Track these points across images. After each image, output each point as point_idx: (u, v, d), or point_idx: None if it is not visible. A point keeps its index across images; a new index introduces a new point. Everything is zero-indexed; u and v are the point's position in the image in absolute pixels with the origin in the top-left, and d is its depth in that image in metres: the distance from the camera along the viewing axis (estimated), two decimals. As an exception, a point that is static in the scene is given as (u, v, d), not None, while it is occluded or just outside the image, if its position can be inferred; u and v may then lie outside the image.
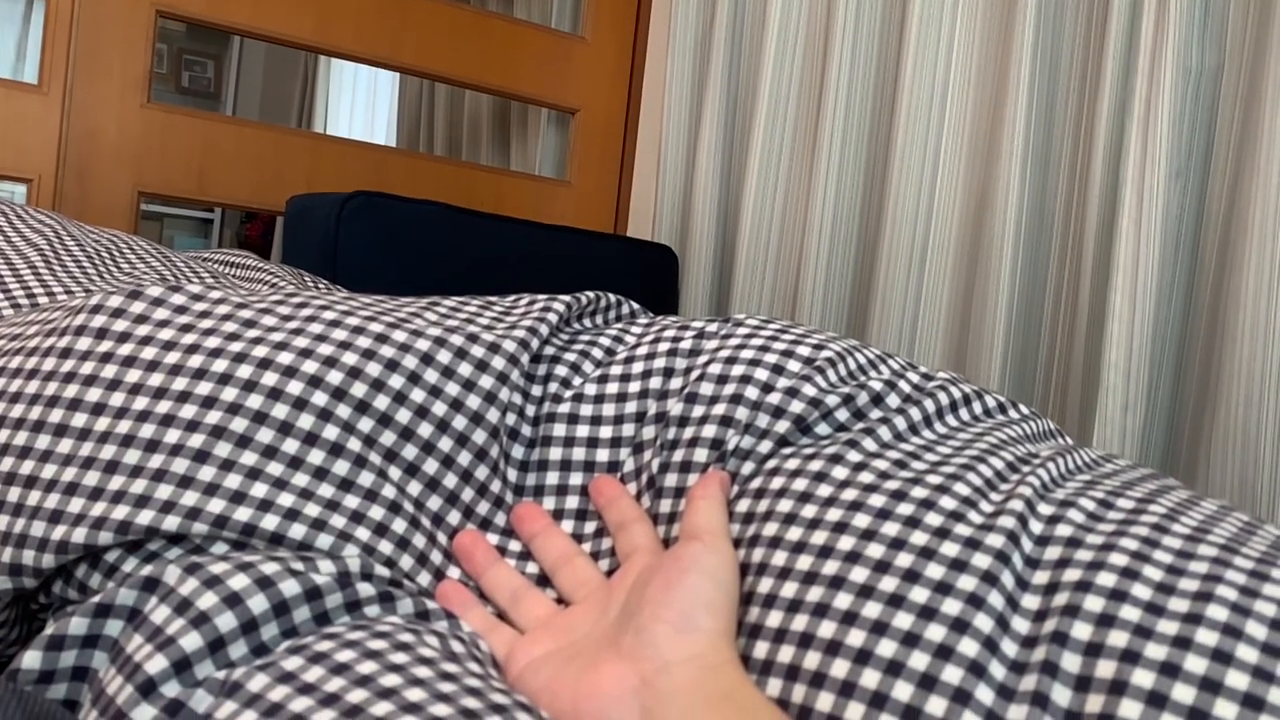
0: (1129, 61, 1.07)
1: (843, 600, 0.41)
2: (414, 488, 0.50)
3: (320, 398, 0.49)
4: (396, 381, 0.51)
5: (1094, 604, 0.39)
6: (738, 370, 0.53)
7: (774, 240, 1.44)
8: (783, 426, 0.50)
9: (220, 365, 0.49)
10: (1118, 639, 0.37)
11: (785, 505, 0.46)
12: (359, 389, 0.50)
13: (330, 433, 0.48)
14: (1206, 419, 1.00)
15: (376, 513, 0.48)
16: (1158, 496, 0.45)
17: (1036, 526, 0.43)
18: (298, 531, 0.45)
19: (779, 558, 0.44)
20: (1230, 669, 0.36)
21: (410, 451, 0.50)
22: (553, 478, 0.53)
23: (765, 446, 0.49)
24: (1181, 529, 0.42)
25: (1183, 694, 0.35)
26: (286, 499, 0.46)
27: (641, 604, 0.42)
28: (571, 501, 0.52)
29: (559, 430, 0.54)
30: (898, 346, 1.28)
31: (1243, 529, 0.43)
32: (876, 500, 0.44)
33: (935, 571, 0.41)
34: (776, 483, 0.47)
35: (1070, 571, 0.40)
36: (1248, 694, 0.35)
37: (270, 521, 0.45)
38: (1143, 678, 0.36)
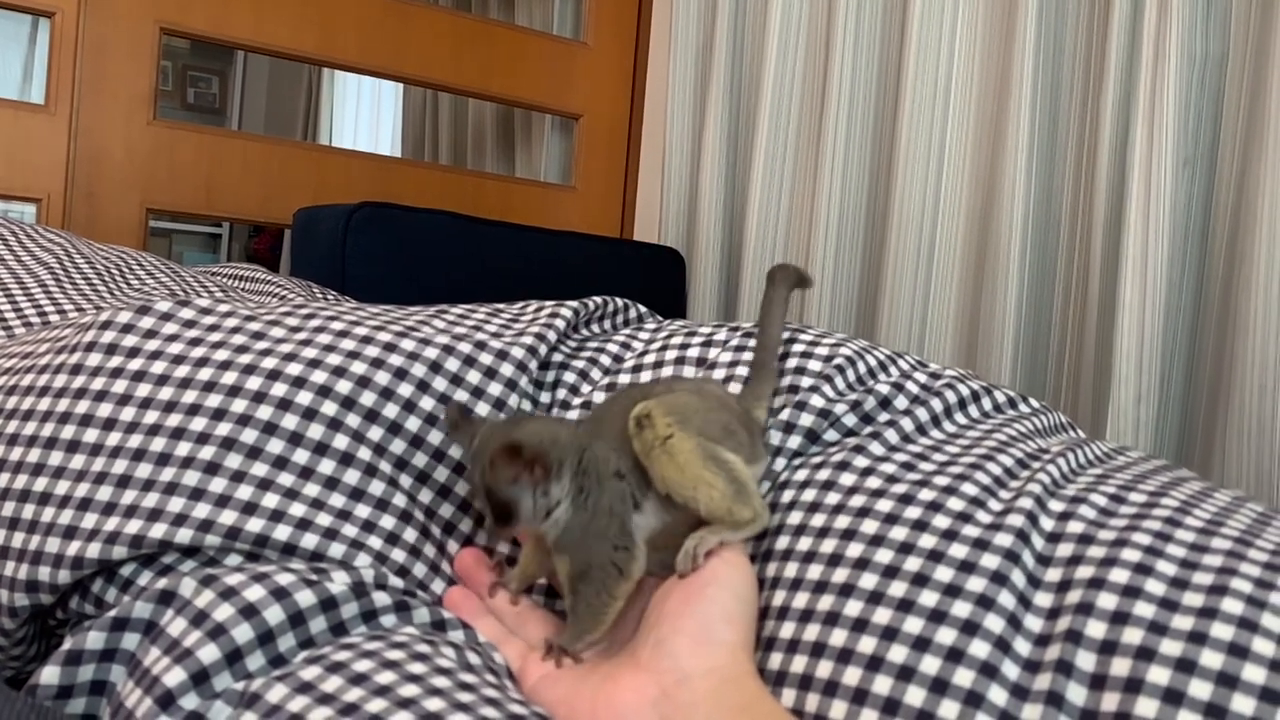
0: (1133, 51, 1.07)
1: (853, 608, 0.41)
2: (425, 495, 0.50)
3: (330, 407, 0.49)
4: (406, 389, 0.51)
5: (1108, 601, 0.38)
6: None
7: (780, 240, 1.44)
8: (794, 442, 0.50)
9: (230, 378, 0.49)
10: (1132, 636, 0.37)
11: (795, 517, 0.46)
12: (368, 398, 0.50)
13: (340, 442, 0.48)
14: (1220, 408, 1.00)
15: (388, 522, 0.48)
16: (1170, 489, 0.45)
17: (1048, 523, 0.43)
18: (310, 541, 0.45)
19: (791, 569, 0.44)
20: (1247, 663, 0.35)
21: (421, 459, 0.50)
22: (564, 484, 0.53)
23: (778, 464, 0.50)
24: (1195, 522, 0.42)
25: (1199, 690, 0.35)
26: (298, 509, 0.46)
27: (661, 617, 0.42)
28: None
29: (569, 436, 0.54)
30: (907, 344, 1.28)
31: (1257, 520, 0.43)
32: (884, 505, 0.44)
33: (944, 574, 0.41)
34: (786, 496, 0.47)
35: (1083, 568, 0.40)
36: (1265, 688, 0.35)
37: (282, 532, 0.45)
38: (1158, 674, 0.36)
